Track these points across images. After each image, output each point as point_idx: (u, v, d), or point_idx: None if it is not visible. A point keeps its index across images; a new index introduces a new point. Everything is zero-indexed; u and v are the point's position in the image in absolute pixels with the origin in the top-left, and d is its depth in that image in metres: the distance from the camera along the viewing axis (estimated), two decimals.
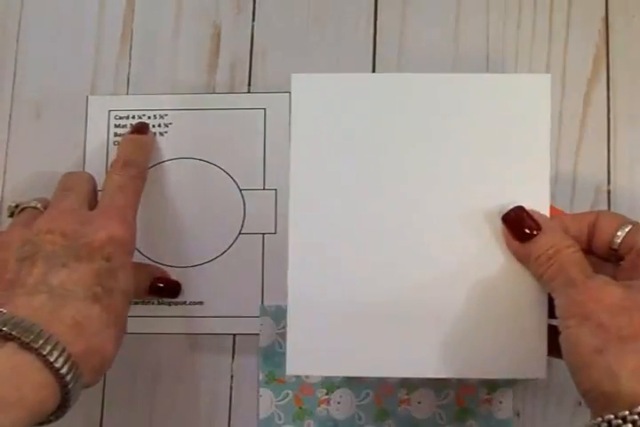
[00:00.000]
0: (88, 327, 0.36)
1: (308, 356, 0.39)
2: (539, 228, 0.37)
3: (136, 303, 0.46)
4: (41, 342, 0.34)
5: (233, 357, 0.46)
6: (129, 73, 0.49)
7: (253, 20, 0.49)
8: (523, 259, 0.38)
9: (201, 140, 0.48)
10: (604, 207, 0.45)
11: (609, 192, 0.46)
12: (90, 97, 0.49)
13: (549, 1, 0.48)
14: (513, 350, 0.38)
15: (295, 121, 0.40)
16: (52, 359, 0.34)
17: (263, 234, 0.47)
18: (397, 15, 0.48)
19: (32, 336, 0.34)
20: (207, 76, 0.48)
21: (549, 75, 0.39)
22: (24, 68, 0.49)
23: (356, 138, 0.40)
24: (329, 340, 0.39)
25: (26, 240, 0.39)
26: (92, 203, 0.43)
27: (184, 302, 0.47)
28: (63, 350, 0.34)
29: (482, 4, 0.48)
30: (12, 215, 0.44)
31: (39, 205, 0.43)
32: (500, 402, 0.45)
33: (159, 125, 0.48)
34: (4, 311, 0.35)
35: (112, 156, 0.48)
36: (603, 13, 0.47)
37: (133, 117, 0.48)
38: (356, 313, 0.39)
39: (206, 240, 0.47)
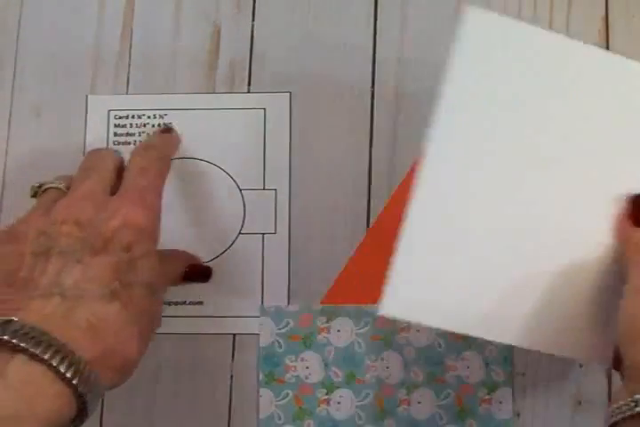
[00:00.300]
0: (104, 328, 0.35)
1: (406, 299, 0.37)
2: None
3: None
4: (51, 352, 0.32)
5: (233, 357, 0.46)
6: (129, 73, 0.49)
7: (253, 19, 0.49)
8: (623, 239, 0.37)
9: (201, 140, 0.48)
10: None
11: None
12: (90, 97, 0.49)
13: (549, 1, 0.48)
14: (586, 333, 0.38)
15: (454, 64, 0.36)
16: (62, 370, 0.32)
17: (263, 234, 0.47)
18: (397, 15, 0.48)
19: (41, 347, 0.32)
20: (207, 76, 0.48)
21: None
22: (24, 68, 0.49)
23: (513, 102, 0.37)
24: (432, 288, 0.37)
25: (41, 231, 0.37)
26: (117, 184, 0.41)
27: (184, 302, 0.47)
28: (76, 360, 0.33)
29: (482, 5, 0.48)
30: (35, 195, 0.42)
31: (62, 186, 0.41)
32: (500, 402, 0.45)
33: (159, 125, 0.48)
34: (15, 320, 0.34)
35: None
36: (603, 13, 0.47)
37: (133, 117, 0.48)
38: (465, 268, 0.37)
39: (206, 240, 0.47)
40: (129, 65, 0.49)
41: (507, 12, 0.48)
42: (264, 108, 0.48)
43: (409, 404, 0.45)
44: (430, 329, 0.45)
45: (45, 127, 0.49)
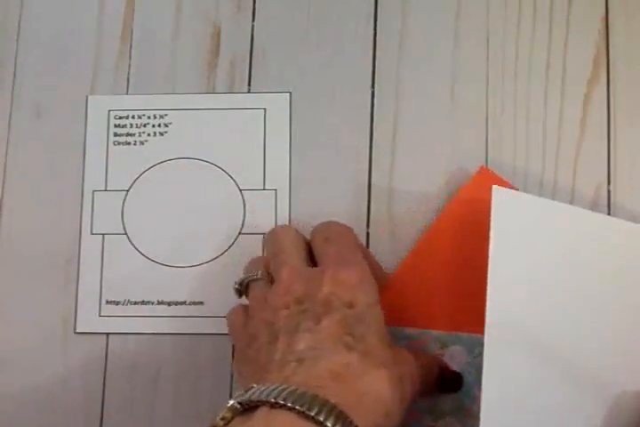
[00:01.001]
0: (349, 374, 0.34)
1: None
2: None
3: (135, 303, 0.47)
4: (299, 401, 0.31)
5: (233, 357, 0.46)
6: (129, 73, 0.49)
7: (253, 19, 0.49)
8: None
9: (201, 140, 0.48)
10: (604, 207, 0.45)
11: (609, 192, 0.46)
12: (90, 97, 0.49)
13: (549, 1, 0.48)
14: None
15: (495, 236, 0.39)
16: (312, 413, 0.31)
17: (263, 234, 0.47)
18: (397, 15, 0.48)
19: (286, 398, 0.31)
20: (207, 76, 0.48)
21: None
22: (24, 68, 0.49)
23: (547, 269, 0.40)
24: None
25: (266, 322, 0.38)
26: (309, 254, 0.42)
27: (184, 302, 0.47)
28: (325, 404, 0.32)
29: (482, 4, 0.48)
30: (240, 295, 0.42)
31: (259, 274, 0.41)
32: None
33: (159, 125, 0.48)
34: (253, 386, 0.33)
35: (112, 155, 0.48)
36: (603, 13, 0.47)
37: (133, 117, 0.48)
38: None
39: (206, 240, 0.47)
40: (129, 65, 0.49)
41: (507, 12, 0.48)
42: (264, 108, 0.48)
43: None
44: (462, 356, 0.44)
45: (45, 127, 0.49)
